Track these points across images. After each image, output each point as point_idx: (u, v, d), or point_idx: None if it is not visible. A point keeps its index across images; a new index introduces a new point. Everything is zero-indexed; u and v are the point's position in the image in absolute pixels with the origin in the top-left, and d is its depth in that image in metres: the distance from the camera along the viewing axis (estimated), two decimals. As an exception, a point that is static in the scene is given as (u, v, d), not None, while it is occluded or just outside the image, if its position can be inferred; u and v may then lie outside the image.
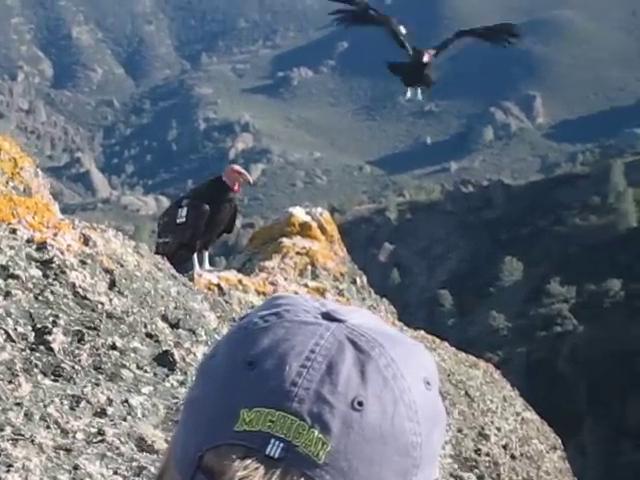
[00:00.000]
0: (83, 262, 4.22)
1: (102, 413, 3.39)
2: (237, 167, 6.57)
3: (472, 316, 74.11)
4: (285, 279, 6.80)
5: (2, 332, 3.59)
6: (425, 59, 9.15)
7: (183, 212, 6.46)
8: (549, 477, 6.56)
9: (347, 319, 0.94)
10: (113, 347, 3.82)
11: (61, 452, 3.07)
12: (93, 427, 3.28)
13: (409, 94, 9.61)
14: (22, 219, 4.44)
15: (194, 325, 4.35)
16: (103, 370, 3.68)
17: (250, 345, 0.92)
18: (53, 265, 4.08)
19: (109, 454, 3.14)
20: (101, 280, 4.18)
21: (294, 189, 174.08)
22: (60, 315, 3.80)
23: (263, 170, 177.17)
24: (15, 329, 3.64)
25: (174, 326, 4.27)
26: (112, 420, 3.37)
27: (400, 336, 0.97)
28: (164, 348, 4.02)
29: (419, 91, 9.56)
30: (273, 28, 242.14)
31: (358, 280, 7.85)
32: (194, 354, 4.10)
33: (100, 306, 4.00)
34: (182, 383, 3.85)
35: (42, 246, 4.19)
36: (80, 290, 4.02)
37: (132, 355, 3.86)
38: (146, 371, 3.84)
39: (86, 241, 4.42)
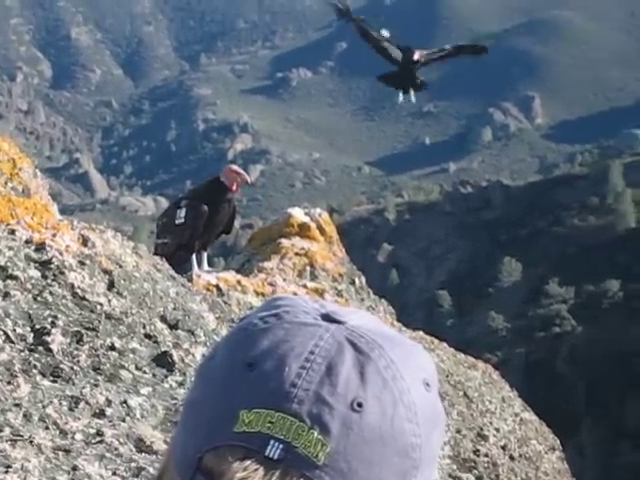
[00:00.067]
0: (82, 263, 4.22)
1: (101, 414, 3.39)
2: (235, 167, 6.57)
3: (471, 317, 74.11)
4: (284, 280, 6.80)
5: (1, 333, 3.59)
6: (415, 57, 9.11)
7: (182, 213, 6.46)
8: (548, 478, 6.57)
9: (347, 320, 0.94)
10: (112, 348, 3.82)
11: (60, 453, 3.07)
12: (92, 428, 3.28)
13: (401, 97, 9.58)
14: (21, 220, 4.44)
15: (193, 326, 4.35)
16: (102, 371, 3.68)
17: (250, 346, 0.92)
18: (52, 266, 4.08)
19: (108, 455, 3.15)
20: (100, 281, 4.18)
21: (293, 190, 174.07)
22: (59, 316, 3.80)
23: (262, 171, 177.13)
24: (14, 330, 3.64)
25: (173, 327, 4.27)
26: (111, 421, 3.37)
27: (399, 337, 0.97)
28: (163, 349, 4.02)
29: (412, 93, 9.51)
30: (272, 29, 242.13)
31: (357, 281, 7.86)
32: (193, 355, 4.10)
33: (99, 307, 4.00)
34: (181, 384, 3.85)
35: (41, 247, 4.19)
36: (79, 291, 4.02)
37: (131, 356, 3.86)
38: (145, 372, 3.84)
39: (85, 242, 4.42)
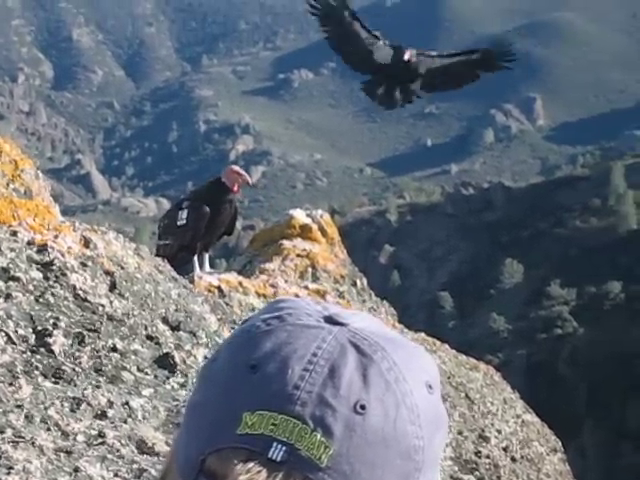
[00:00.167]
0: (84, 264, 4.22)
1: (103, 415, 3.39)
2: (236, 168, 6.57)
3: (472, 318, 74.10)
4: (285, 281, 6.80)
5: (3, 334, 3.60)
6: (406, 57, 8.35)
7: (183, 214, 6.46)
8: (549, 479, 6.56)
9: (349, 323, 0.94)
10: (114, 349, 3.82)
11: (62, 454, 3.07)
12: (94, 429, 3.28)
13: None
14: (23, 221, 4.45)
15: (195, 327, 4.35)
16: (104, 372, 3.68)
17: (252, 349, 0.92)
18: (54, 267, 4.08)
19: (110, 456, 3.15)
20: (102, 282, 4.18)
21: (294, 191, 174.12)
22: (61, 317, 3.81)
23: (263, 172, 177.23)
24: (16, 331, 3.64)
25: (175, 328, 4.27)
26: (113, 422, 3.37)
27: (402, 340, 0.97)
28: (165, 350, 4.02)
29: (398, 102, 8.67)
30: (273, 30, 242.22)
31: (358, 282, 7.86)
32: (195, 356, 4.10)
33: (101, 308, 4.00)
34: (183, 385, 3.85)
35: (43, 248, 4.19)
36: (81, 292, 4.02)
37: (133, 357, 3.86)
38: (147, 373, 3.84)
39: (87, 243, 4.42)
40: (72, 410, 3.36)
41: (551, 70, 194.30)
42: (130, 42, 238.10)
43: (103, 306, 4.02)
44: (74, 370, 3.60)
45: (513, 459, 6.19)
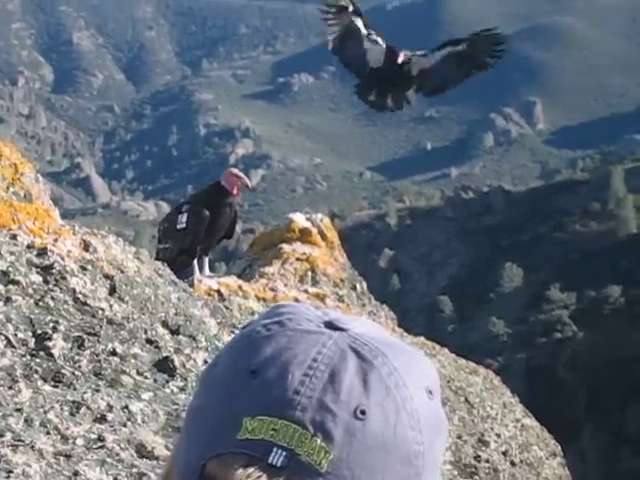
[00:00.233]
0: (83, 268, 4.22)
1: (102, 419, 3.39)
2: (235, 171, 6.58)
3: (472, 322, 74.06)
4: (285, 285, 6.80)
5: (2, 338, 3.60)
6: (400, 59, 8.05)
7: (183, 218, 6.47)
8: (549, 484, 6.56)
9: (349, 328, 0.94)
10: (113, 353, 3.82)
11: (61, 458, 3.07)
12: (93, 433, 3.28)
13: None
14: (23, 225, 4.45)
15: (194, 331, 4.35)
16: (103, 376, 3.68)
17: (253, 354, 0.92)
18: (53, 271, 4.08)
19: (109, 460, 3.15)
20: (101, 286, 4.18)
21: (294, 195, 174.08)
22: (60, 321, 3.81)
23: (263, 176, 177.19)
24: (15, 335, 3.64)
25: (174, 332, 4.27)
26: (112, 426, 3.37)
27: (402, 345, 0.97)
28: (164, 354, 4.02)
29: (389, 106, 8.40)
30: (273, 34, 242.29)
31: (358, 286, 7.86)
32: (194, 360, 4.10)
33: (100, 312, 4.00)
34: (182, 389, 3.85)
35: (42, 252, 4.19)
36: (80, 296, 4.02)
37: (132, 361, 3.86)
38: (146, 377, 3.84)
39: (86, 247, 4.42)
40: (71, 414, 3.36)
41: (551, 74, 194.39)
42: (130, 46, 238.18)
43: (103, 310, 4.02)
44: (74, 374, 3.60)
45: (512, 463, 6.18)
